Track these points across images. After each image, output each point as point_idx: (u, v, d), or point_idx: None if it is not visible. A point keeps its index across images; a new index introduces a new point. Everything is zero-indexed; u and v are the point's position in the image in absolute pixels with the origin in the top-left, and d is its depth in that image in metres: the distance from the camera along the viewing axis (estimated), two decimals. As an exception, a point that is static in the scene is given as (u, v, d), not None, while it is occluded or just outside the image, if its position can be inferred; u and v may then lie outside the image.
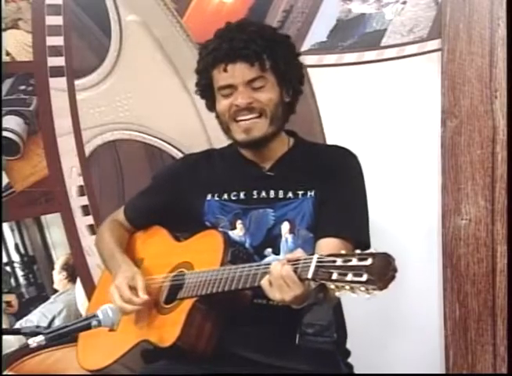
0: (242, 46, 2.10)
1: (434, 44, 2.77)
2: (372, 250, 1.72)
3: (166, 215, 2.28)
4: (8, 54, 2.87)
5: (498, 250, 2.69)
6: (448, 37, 2.74)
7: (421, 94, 2.79)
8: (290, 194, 2.16)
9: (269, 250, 2.15)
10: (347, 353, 2.18)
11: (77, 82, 2.90)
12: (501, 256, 2.69)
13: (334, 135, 2.80)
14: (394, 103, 2.80)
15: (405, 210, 2.78)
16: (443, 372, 2.76)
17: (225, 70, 2.12)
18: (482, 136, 2.71)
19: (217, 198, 2.21)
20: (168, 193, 2.29)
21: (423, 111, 2.78)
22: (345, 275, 1.69)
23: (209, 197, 2.22)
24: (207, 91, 2.22)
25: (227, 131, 2.19)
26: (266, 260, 2.12)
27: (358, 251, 1.73)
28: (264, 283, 1.85)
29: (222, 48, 2.12)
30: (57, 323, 2.91)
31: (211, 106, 2.22)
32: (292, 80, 2.19)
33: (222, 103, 2.16)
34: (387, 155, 2.78)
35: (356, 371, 2.20)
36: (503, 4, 2.66)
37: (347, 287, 1.69)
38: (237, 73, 2.11)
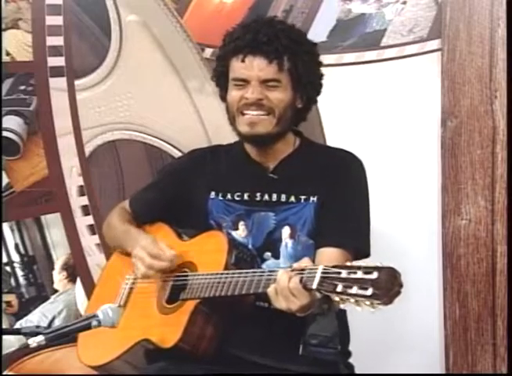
0: (265, 41, 2.09)
1: (434, 44, 2.77)
2: (377, 263, 1.71)
3: (170, 209, 2.28)
4: (8, 54, 2.86)
5: (498, 250, 2.70)
6: (448, 37, 2.74)
7: (421, 94, 2.79)
8: (292, 198, 2.16)
9: (268, 254, 2.15)
10: (348, 354, 2.18)
11: (77, 82, 2.89)
12: (501, 256, 2.69)
13: (334, 135, 2.80)
14: (394, 103, 2.80)
15: (406, 210, 2.78)
16: (443, 372, 2.76)
17: (243, 61, 2.11)
18: (482, 136, 2.71)
19: (221, 197, 2.21)
20: (172, 187, 2.28)
21: (423, 111, 2.78)
22: (350, 287, 1.69)
23: (212, 194, 2.22)
24: (221, 79, 2.21)
25: (233, 122, 2.18)
26: (267, 264, 2.13)
27: (363, 264, 1.72)
28: (270, 291, 1.86)
29: (246, 38, 2.11)
30: (57, 323, 2.91)
31: (224, 95, 2.21)
32: (308, 87, 2.16)
33: (233, 94, 2.15)
34: (387, 155, 2.78)
35: (356, 371, 2.20)
36: (503, 4, 2.67)
37: (352, 300, 1.68)
38: (254, 67, 2.10)
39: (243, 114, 2.13)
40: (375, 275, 1.67)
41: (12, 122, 2.88)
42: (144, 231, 2.28)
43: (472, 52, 2.71)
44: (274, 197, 2.17)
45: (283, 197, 2.16)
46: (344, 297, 1.69)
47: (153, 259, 2.10)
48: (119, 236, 2.31)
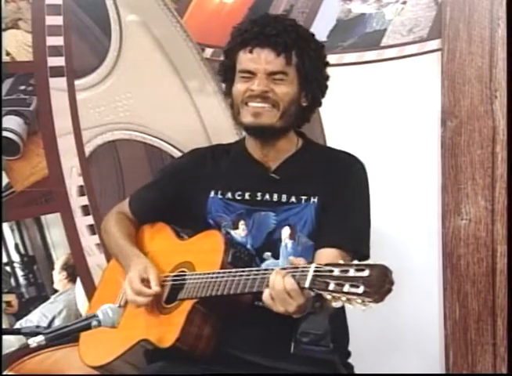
0: (274, 33, 2.09)
1: (434, 44, 2.77)
2: (369, 261, 1.71)
3: (170, 209, 2.27)
4: (8, 54, 2.86)
5: (498, 250, 2.70)
6: (448, 37, 2.74)
7: (421, 94, 2.79)
8: (293, 199, 2.15)
9: (268, 254, 2.14)
10: (348, 354, 2.18)
11: (77, 82, 2.89)
12: (501, 256, 2.69)
13: (334, 135, 2.80)
14: (394, 103, 2.80)
15: (406, 210, 2.78)
16: (443, 372, 2.76)
17: (251, 52, 2.11)
18: (482, 136, 2.71)
19: (220, 196, 2.20)
20: (172, 187, 2.28)
21: (423, 111, 2.78)
22: (342, 285, 1.68)
23: (212, 193, 2.21)
24: (228, 73, 2.20)
25: (236, 115, 2.17)
26: (266, 264, 2.12)
27: (355, 262, 1.73)
28: (265, 297, 1.84)
29: (254, 31, 2.11)
30: (57, 323, 2.91)
31: (229, 90, 2.20)
32: (314, 84, 2.16)
33: (239, 86, 2.15)
34: (387, 155, 2.78)
35: (356, 371, 2.20)
36: (503, 4, 2.67)
37: (344, 298, 1.68)
38: (262, 59, 2.10)
39: (248, 106, 2.13)
40: (366, 272, 1.67)
41: (12, 122, 2.88)
42: (139, 248, 2.26)
43: (472, 52, 2.72)
44: (275, 197, 2.17)
45: (284, 198, 2.16)
46: (336, 295, 1.69)
47: (134, 295, 2.10)
48: (114, 250, 2.31)
